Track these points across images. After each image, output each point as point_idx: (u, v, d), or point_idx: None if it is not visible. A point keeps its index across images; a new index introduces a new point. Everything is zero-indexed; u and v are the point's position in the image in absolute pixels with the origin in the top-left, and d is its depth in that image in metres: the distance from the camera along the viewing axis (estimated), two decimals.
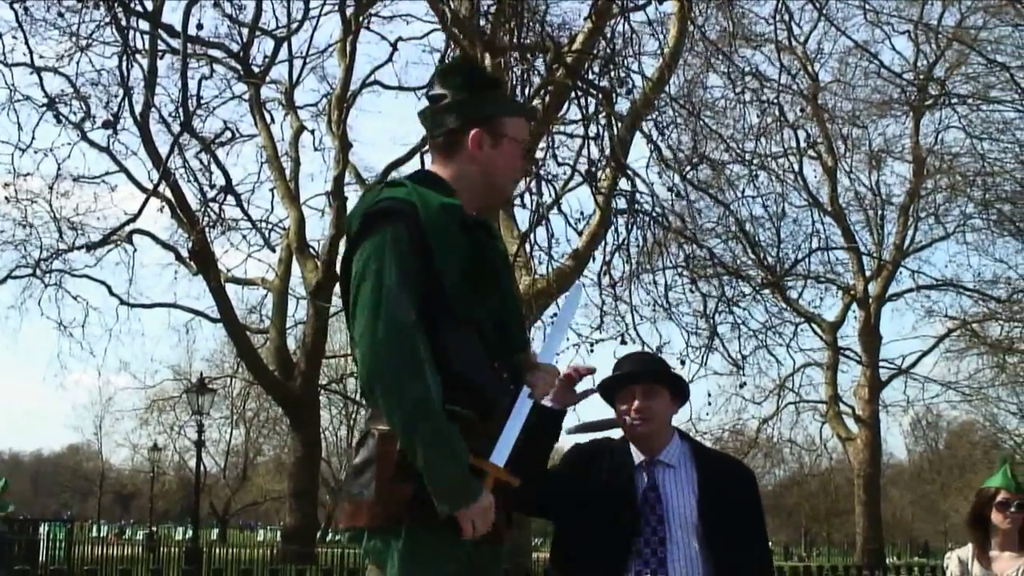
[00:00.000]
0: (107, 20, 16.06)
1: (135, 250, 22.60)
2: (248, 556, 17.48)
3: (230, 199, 19.51)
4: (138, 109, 17.33)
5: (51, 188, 20.39)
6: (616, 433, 3.21)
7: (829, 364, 29.18)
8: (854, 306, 28.82)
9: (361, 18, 19.24)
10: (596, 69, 13.11)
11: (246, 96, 22.23)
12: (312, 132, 23.12)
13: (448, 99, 2.48)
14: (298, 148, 22.86)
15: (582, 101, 13.13)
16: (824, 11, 17.86)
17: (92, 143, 19.99)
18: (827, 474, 42.83)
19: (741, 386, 22.46)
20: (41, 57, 18.64)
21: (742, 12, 16.90)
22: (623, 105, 13.35)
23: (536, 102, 12.39)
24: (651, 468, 3.09)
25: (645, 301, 15.14)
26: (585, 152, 13.19)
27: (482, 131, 2.46)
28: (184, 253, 21.89)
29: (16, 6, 16.63)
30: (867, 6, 19.27)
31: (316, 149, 23.41)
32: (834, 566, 11.47)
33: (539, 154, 12.53)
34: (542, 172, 12.64)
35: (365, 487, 2.30)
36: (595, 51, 13.25)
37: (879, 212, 29.36)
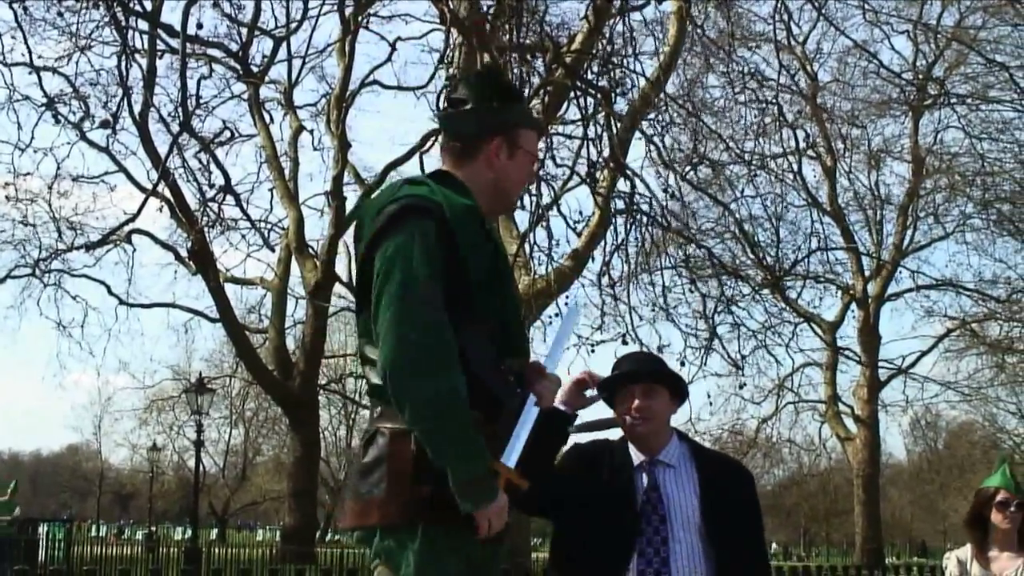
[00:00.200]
0: (106, 20, 16.05)
1: (134, 250, 22.66)
2: (247, 556, 17.46)
3: (229, 199, 19.50)
4: (137, 109, 17.34)
5: (50, 188, 20.41)
6: (614, 433, 3.21)
7: (828, 364, 29.21)
8: (853, 306, 28.84)
9: (360, 18, 19.22)
10: (595, 69, 13.11)
11: (245, 96, 22.24)
12: (311, 132, 23.17)
13: (471, 105, 2.50)
14: (297, 148, 22.91)
15: (581, 101, 13.14)
16: (823, 11, 17.90)
17: (91, 143, 20.01)
18: (826, 474, 42.89)
19: (741, 387, 22.47)
20: (40, 57, 18.63)
21: (740, 13, 16.92)
22: (622, 105, 13.37)
23: (535, 102, 12.39)
24: (651, 468, 3.09)
25: (644, 301, 15.14)
26: (584, 152, 13.21)
27: (502, 140, 2.49)
28: (183, 253, 21.92)
29: (15, 6, 16.65)
30: (866, 6, 19.31)
31: (315, 149, 23.42)
32: (833, 566, 11.47)
33: (539, 153, 12.50)
34: (541, 173, 12.63)
35: (375, 486, 2.29)
36: (594, 51, 13.25)
37: (878, 212, 29.42)
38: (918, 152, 27.78)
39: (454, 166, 2.52)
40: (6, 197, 20.30)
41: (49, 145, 23.56)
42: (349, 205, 20.87)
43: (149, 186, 19.10)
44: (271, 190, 22.81)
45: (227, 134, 21.24)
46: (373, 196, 2.61)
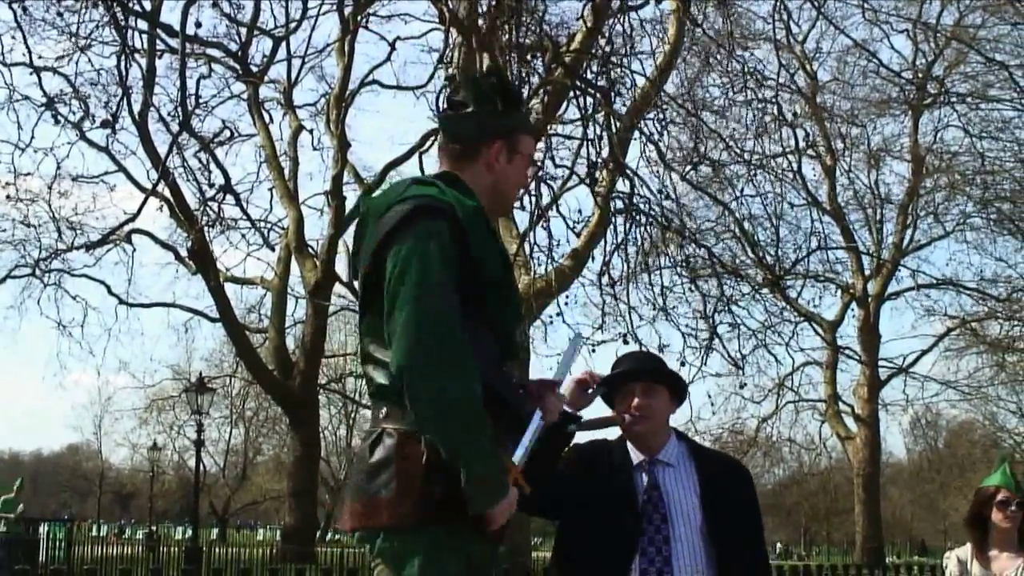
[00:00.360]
0: (106, 20, 16.06)
1: (134, 250, 22.68)
2: (248, 556, 17.48)
3: (229, 198, 19.55)
4: (137, 109, 17.35)
5: (50, 188, 20.40)
6: (612, 432, 3.21)
7: (828, 363, 29.21)
8: (853, 305, 28.84)
9: (359, 17, 19.21)
10: (594, 68, 13.11)
11: (245, 95, 22.24)
12: (311, 131, 23.18)
13: (472, 108, 2.50)
14: (297, 147, 22.90)
15: (581, 101, 13.13)
16: (823, 10, 17.89)
17: (91, 143, 20.01)
18: (826, 473, 42.88)
19: (741, 386, 22.44)
20: (40, 57, 18.64)
21: (739, 13, 16.90)
22: (621, 104, 13.35)
23: (535, 102, 12.39)
24: (651, 467, 3.10)
25: (644, 301, 15.13)
26: (584, 152, 13.20)
27: (503, 144, 2.50)
28: (183, 252, 21.94)
29: (15, 6, 16.63)
30: (866, 5, 19.30)
31: (315, 148, 23.44)
32: (833, 565, 11.47)
33: (538, 155, 12.53)
34: (541, 173, 12.63)
35: (384, 486, 2.28)
36: (593, 50, 13.24)
37: (878, 211, 29.43)
38: (918, 151, 27.78)
39: (453, 167, 2.51)
40: (6, 197, 20.32)
41: (49, 145, 23.65)
42: (349, 205, 20.88)
43: (149, 186, 19.14)
44: (271, 190, 22.83)
45: (227, 134, 21.28)
46: (376, 194, 2.60)
